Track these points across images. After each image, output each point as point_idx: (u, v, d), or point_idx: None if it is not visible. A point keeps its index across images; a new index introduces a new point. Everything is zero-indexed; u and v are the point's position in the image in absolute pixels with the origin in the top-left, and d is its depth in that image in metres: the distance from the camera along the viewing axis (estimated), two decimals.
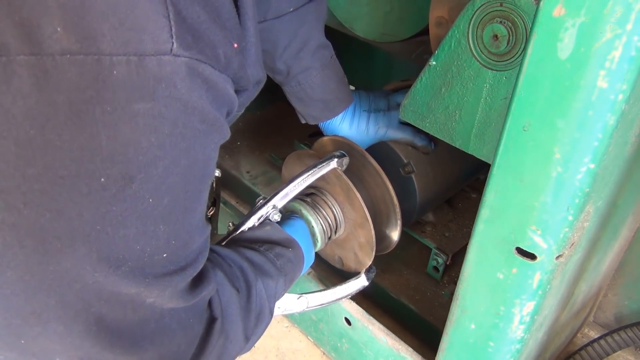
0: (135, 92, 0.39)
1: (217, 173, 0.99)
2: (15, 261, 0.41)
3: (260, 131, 1.54)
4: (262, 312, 0.67)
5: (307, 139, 1.40)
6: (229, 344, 0.61)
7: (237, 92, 0.54)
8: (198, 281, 0.54)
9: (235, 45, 0.49)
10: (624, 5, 0.44)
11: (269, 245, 0.75)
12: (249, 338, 0.65)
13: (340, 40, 0.96)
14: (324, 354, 1.20)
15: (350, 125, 0.94)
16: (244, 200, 1.39)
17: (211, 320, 0.58)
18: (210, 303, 0.58)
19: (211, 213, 1.01)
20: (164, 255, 0.47)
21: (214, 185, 0.98)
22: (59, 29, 0.36)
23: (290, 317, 1.25)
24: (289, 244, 0.78)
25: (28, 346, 0.45)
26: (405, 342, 0.96)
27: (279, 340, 1.23)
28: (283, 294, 0.77)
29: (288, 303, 0.84)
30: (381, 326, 0.98)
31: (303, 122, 0.97)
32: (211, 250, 0.65)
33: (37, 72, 0.36)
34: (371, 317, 1.00)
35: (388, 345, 0.97)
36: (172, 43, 0.41)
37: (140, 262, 0.45)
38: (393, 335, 0.97)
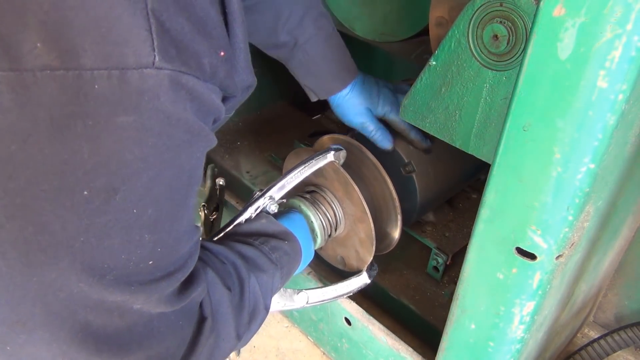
0: (117, 105, 0.39)
1: (221, 182, 0.99)
2: (0, 273, 0.41)
3: (260, 131, 1.54)
4: (257, 309, 0.67)
5: (307, 139, 1.40)
6: (221, 342, 0.60)
7: (225, 99, 0.53)
8: (187, 283, 0.54)
9: (222, 53, 0.49)
10: (624, 5, 0.44)
11: (264, 239, 0.74)
12: (241, 336, 0.64)
13: None
14: (324, 354, 1.20)
15: (360, 94, 0.92)
16: (244, 200, 1.39)
17: (201, 320, 0.58)
18: (200, 303, 0.58)
19: (213, 218, 1.02)
20: (150, 262, 0.47)
21: (218, 192, 0.98)
22: (38, 45, 0.36)
23: (290, 317, 1.25)
24: (284, 236, 0.77)
25: (14, 352, 0.45)
26: (405, 342, 0.96)
27: (279, 340, 1.23)
28: (280, 288, 0.76)
29: (287, 298, 0.84)
30: (381, 326, 0.98)
31: (314, 99, 0.95)
32: (203, 247, 0.65)
33: (16, 88, 0.36)
34: (371, 317, 1.00)
35: (388, 345, 0.97)
36: (155, 56, 0.40)
37: (125, 270, 0.45)
38: (393, 335, 0.97)
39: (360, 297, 1.11)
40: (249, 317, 0.66)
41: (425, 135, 0.96)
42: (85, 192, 0.40)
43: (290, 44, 0.87)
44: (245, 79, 0.57)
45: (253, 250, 0.71)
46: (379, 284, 1.11)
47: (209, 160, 1.43)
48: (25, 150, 0.38)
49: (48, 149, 0.38)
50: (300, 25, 0.86)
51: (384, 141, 0.93)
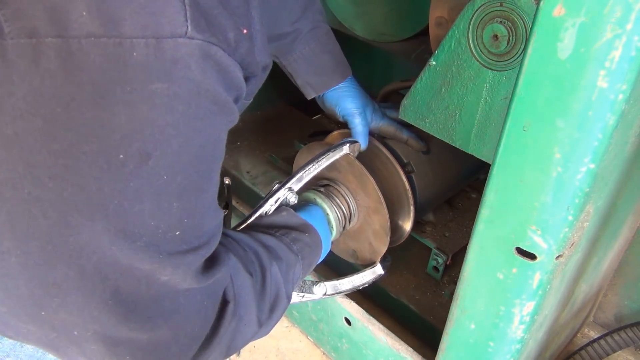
0: (153, 73, 0.42)
1: (227, 181, 1.01)
2: (39, 232, 0.43)
3: (260, 131, 1.54)
4: (278, 297, 0.68)
5: (307, 139, 1.40)
6: (243, 327, 0.62)
7: (246, 79, 0.55)
8: (211, 264, 0.56)
9: (245, 30, 0.51)
10: (624, 5, 0.44)
11: (285, 230, 0.76)
12: (263, 322, 0.65)
13: (340, 40, 0.97)
14: (324, 354, 1.20)
15: (354, 90, 0.95)
16: (244, 200, 1.39)
17: (224, 303, 0.59)
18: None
19: (225, 214, 1.03)
20: (177, 233, 0.48)
21: (225, 191, 1.00)
22: (84, 14, 0.39)
23: (290, 317, 1.25)
24: (305, 229, 0.78)
25: (48, 318, 0.47)
26: (405, 342, 0.96)
27: (279, 340, 1.23)
28: (301, 279, 0.77)
29: (307, 289, 0.86)
30: (381, 326, 0.98)
31: (312, 96, 0.96)
32: (225, 234, 0.66)
33: (63, 54, 0.39)
34: (371, 317, 1.00)
35: (388, 345, 0.96)
36: (187, 26, 0.43)
37: (154, 238, 0.47)
38: (393, 335, 0.97)
39: (360, 297, 1.11)
40: (271, 305, 0.67)
41: (419, 135, 0.97)
42: (121, 156, 0.42)
43: (293, 34, 0.88)
44: (263, 59, 0.58)
45: (275, 240, 0.72)
46: (379, 284, 1.11)
47: None
48: (69, 113, 0.40)
49: (89, 112, 0.40)
50: (303, 17, 0.88)
51: (361, 135, 0.95)
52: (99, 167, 0.42)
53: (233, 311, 0.60)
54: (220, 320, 0.58)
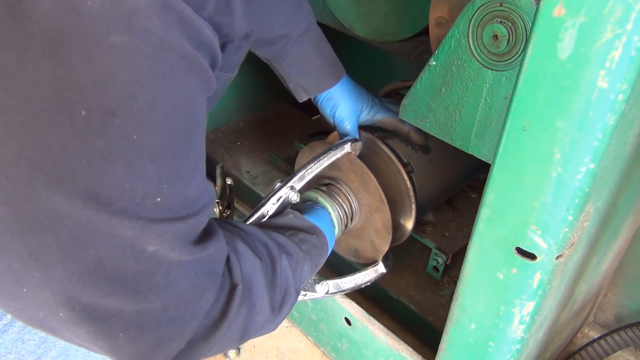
0: (110, 23, 0.39)
1: (229, 181, 1.01)
2: (5, 195, 0.41)
3: (260, 131, 1.54)
4: (288, 291, 0.67)
5: (307, 139, 1.40)
6: (255, 315, 0.61)
7: (223, 46, 0.53)
8: (205, 237, 0.54)
9: None
10: (624, 5, 0.44)
11: (294, 231, 0.75)
12: (275, 310, 0.64)
13: (340, 40, 0.97)
14: (324, 354, 1.20)
15: (352, 92, 0.95)
16: (244, 200, 1.39)
17: (232, 287, 0.58)
18: (230, 270, 0.59)
19: (227, 215, 1.03)
20: (158, 199, 0.46)
21: (228, 191, 1.00)
22: None
23: (290, 317, 1.25)
24: (312, 230, 0.78)
25: (32, 296, 0.45)
26: (405, 342, 0.96)
27: (279, 340, 1.23)
28: (308, 278, 0.77)
29: (309, 288, 0.86)
30: (381, 326, 0.98)
31: (304, 99, 0.96)
32: (234, 225, 0.66)
33: (10, 2, 0.37)
34: (371, 317, 1.00)
35: (388, 345, 0.96)
36: None
37: (132, 203, 0.45)
38: (393, 335, 0.97)
39: (360, 297, 1.11)
40: (282, 297, 0.66)
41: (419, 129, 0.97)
42: (83, 112, 0.40)
43: (284, 39, 0.88)
44: (243, 26, 0.56)
45: (284, 238, 0.72)
46: (379, 284, 1.11)
47: (212, 160, 1.43)
48: (21, 65, 0.38)
49: (43, 65, 0.38)
50: (293, 21, 0.87)
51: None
52: (60, 124, 0.40)
53: (242, 295, 0.58)
54: (230, 303, 0.57)
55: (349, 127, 0.95)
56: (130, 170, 0.44)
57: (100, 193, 0.43)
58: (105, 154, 0.42)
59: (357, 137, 0.95)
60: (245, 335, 0.61)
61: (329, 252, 0.83)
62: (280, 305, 0.66)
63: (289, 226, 0.77)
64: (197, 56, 0.47)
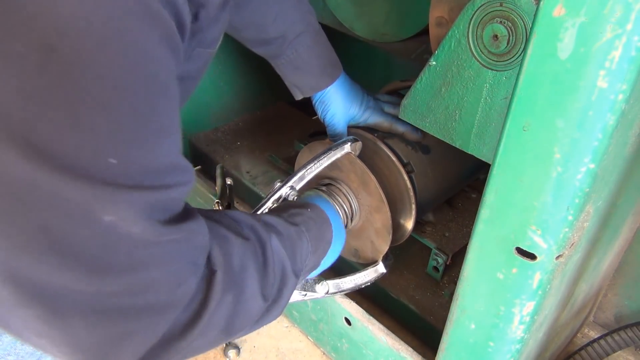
0: None
1: (229, 181, 1.01)
2: None
3: (260, 131, 1.54)
4: (285, 273, 0.63)
5: (307, 139, 1.40)
6: (244, 301, 0.56)
7: (196, 15, 0.50)
8: (180, 219, 0.49)
9: None
10: (624, 5, 0.44)
11: (282, 211, 0.74)
12: (268, 297, 0.60)
13: (340, 40, 0.97)
14: (324, 354, 1.20)
15: (346, 94, 0.95)
16: (244, 201, 1.39)
17: (210, 273, 0.53)
18: (209, 256, 0.54)
19: None
20: (112, 160, 0.41)
21: (228, 192, 1.00)
22: None
23: (290, 317, 1.25)
24: (303, 205, 0.77)
25: None
26: (405, 342, 0.96)
27: (279, 340, 1.23)
28: (309, 255, 0.73)
29: (309, 288, 0.86)
30: (381, 326, 0.98)
31: (299, 97, 0.96)
32: (216, 212, 0.62)
33: None
34: (371, 317, 1.00)
35: (388, 345, 0.96)
36: None
37: (78, 160, 0.39)
38: (393, 335, 0.97)
39: (360, 297, 1.11)
40: (278, 280, 0.62)
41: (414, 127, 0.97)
42: (21, 48, 0.36)
43: (280, 40, 0.87)
44: None
45: (272, 217, 0.69)
46: (379, 284, 1.11)
47: (212, 160, 1.43)
48: None
49: None
50: (289, 22, 0.87)
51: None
52: None
53: (224, 280, 0.54)
54: (209, 292, 0.52)
55: (337, 130, 0.95)
56: (76, 119, 0.38)
57: (40, 142, 0.38)
58: (44, 97, 0.37)
59: (344, 134, 0.95)
60: (231, 327, 0.56)
61: (337, 239, 0.81)
62: (278, 290, 0.62)
63: (278, 208, 0.76)
64: (159, 9, 0.42)
